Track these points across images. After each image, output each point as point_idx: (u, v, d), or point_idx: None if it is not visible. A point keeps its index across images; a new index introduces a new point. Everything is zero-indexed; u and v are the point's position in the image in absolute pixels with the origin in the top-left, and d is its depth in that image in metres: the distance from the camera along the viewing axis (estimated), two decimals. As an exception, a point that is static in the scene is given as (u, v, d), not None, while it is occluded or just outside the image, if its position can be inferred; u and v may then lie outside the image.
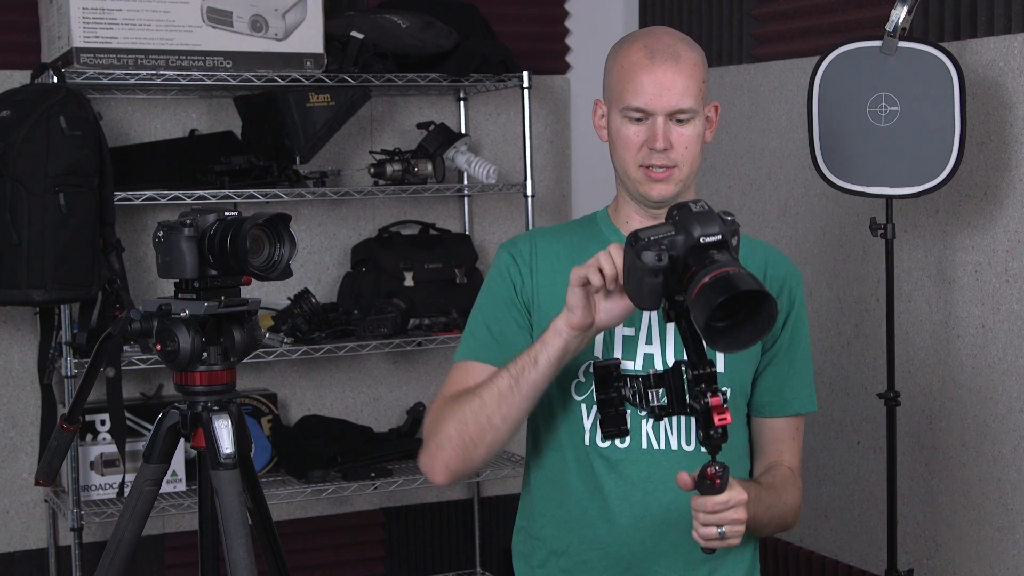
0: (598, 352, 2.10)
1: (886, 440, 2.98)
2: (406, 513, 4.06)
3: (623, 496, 2.09)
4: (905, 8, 2.79)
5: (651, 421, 2.08)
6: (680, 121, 2.05)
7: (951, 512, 3.16)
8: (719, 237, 1.78)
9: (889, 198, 2.91)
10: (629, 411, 1.95)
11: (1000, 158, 2.98)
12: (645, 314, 2.10)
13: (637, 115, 2.06)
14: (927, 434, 3.21)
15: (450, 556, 4.13)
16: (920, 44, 2.83)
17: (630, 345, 2.11)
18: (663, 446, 2.09)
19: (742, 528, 1.85)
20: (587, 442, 2.11)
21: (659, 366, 2.08)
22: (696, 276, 1.73)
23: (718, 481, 1.80)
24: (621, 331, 2.11)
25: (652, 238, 1.77)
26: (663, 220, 1.89)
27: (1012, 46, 2.94)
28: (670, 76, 2.03)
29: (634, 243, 1.78)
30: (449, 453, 2.04)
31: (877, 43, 2.86)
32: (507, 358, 2.03)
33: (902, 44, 2.83)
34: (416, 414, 3.93)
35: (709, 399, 1.75)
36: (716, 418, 1.75)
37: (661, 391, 1.84)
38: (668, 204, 2.06)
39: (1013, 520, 3.01)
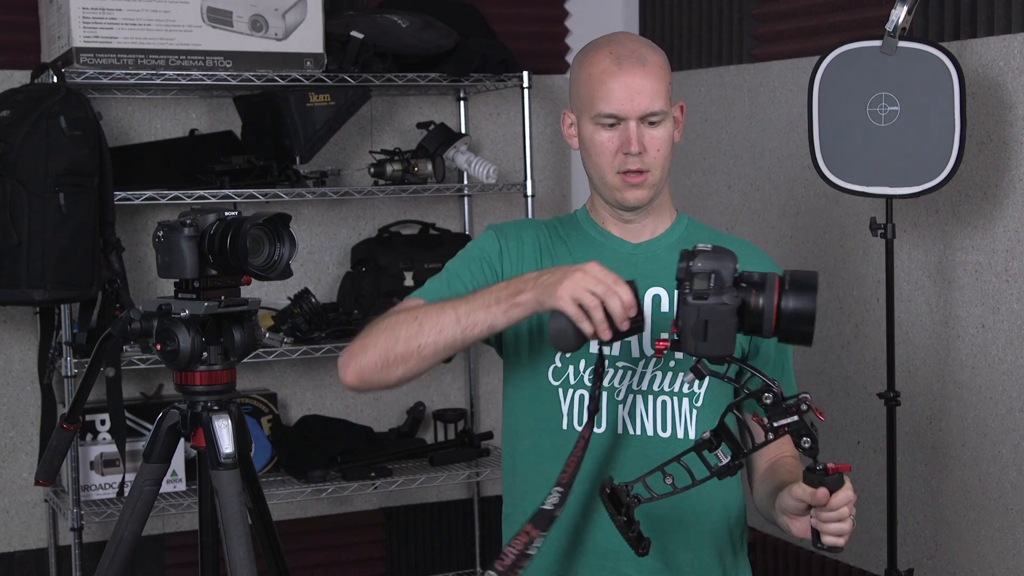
0: None
1: (886, 440, 2.98)
2: (406, 513, 4.06)
3: (598, 481, 2.08)
4: (905, 8, 2.79)
5: (627, 407, 2.09)
6: (652, 124, 2.08)
7: (951, 512, 3.16)
8: (739, 261, 1.81)
9: (889, 198, 2.91)
10: (605, 398, 2.03)
11: (1000, 158, 2.98)
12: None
13: (610, 121, 2.08)
14: (927, 434, 3.21)
15: (450, 556, 4.13)
16: (920, 44, 2.83)
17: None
18: (639, 431, 2.09)
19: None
20: (564, 426, 2.11)
21: (647, 350, 2.09)
22: (763, 306, 1.76)
23: (848, 467, 1.81)
24: None
25: (712, 285, 1.76)
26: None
27: (1012, 46, 2.94)
28: (639, 80, 2.06)
29: (704, 298, 1.75)
30: (369, 360, 1.98)
31: (877, 43, 2.86)
32: None
33: (902, 44, 2.83)
34: (416, 414, 3.93)
35: (805, 403, 1.76)
36: (820, 416, 1.77)
37: (722, 447, 1.83)
38: (643, 209, 2.15)
39: (1013, 520, 3.01)
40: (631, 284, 1.84)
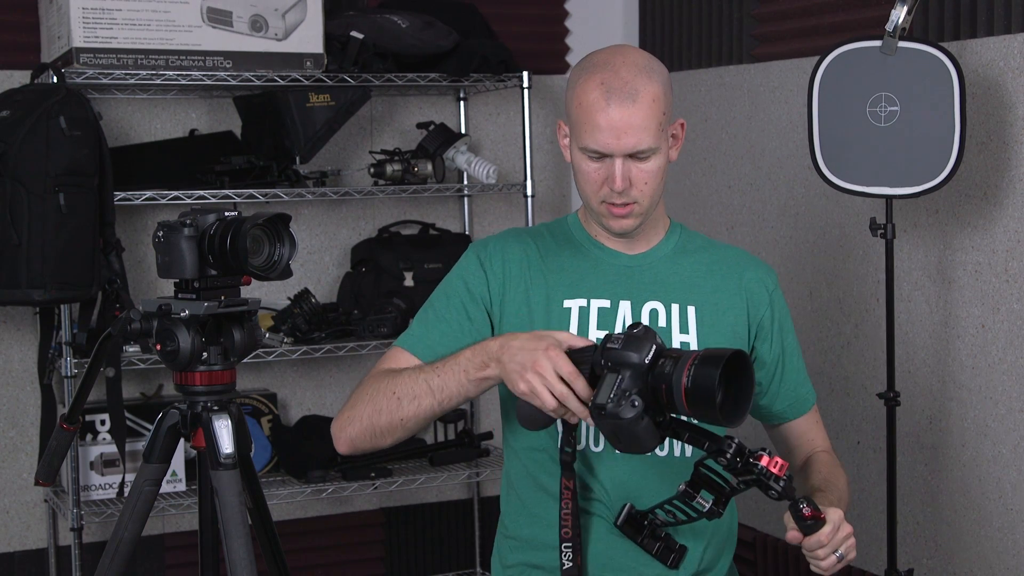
0: (574, 328, 2.09)
1: (886, 440, 2.98)
2: (406, 513, 4.06)
3: (596, 498, 2.09)
4: (905, 8, 2.79)
5: None
6: (640, 158, 2.03)
7: (951, 512, 3.16)
8: (655, 346, 1.81)
9: (889, 198, 2.91)
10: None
11: (1000, 158, 2.98)
12: (620, 296, 2.12)
13: (595, 155, 2.03)
14: (927, 434, 3.21)
15: (450, 556, 4.13)
16: (920, 44, 2.83)
17: (606, 317, 2.11)
18: None
19: (853, 540, 1.88)
20: (560, 442, 2.08)
21: None
22: (672, 387, 1.77)
23: (821, 515, 1.84)
24: (597, 303, 2.11)
25: (612, 396, 1.78)
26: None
27: (1012, 46, 2.94)
28: (627, 118, 1.99)
29: (603, 412, 1.78)
30: (357, 431, 2.09)
31: (877, 43, 2.86)
32: (437, 358, 2.06)
33: (902, 44, 2.83)
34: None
35: (758, 463, 1.78)
36: (776, 471, 1.79)
37: (702, 492, 1.88)
38: (631, 235, 2.13)
39: (1013, 520, 3.01)
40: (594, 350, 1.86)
